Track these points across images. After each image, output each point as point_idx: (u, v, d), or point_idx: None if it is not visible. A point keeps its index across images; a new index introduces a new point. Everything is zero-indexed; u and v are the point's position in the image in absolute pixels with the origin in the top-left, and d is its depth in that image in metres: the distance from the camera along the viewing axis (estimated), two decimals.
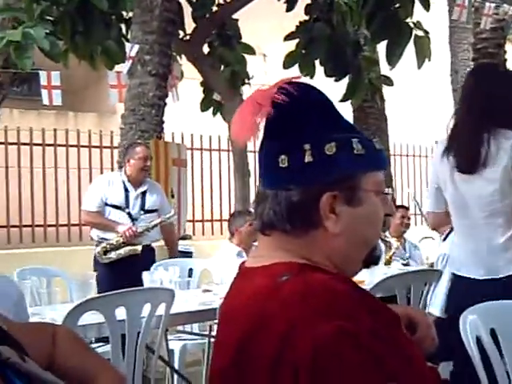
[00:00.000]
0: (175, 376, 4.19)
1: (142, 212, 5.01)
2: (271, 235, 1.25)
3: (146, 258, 4.90)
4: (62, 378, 1.24)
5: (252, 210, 1.51)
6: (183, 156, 7.24)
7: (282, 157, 1.21)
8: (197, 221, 9.40)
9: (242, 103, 1.26)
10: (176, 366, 4.28)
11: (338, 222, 1.20)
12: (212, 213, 9.69)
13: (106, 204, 4.96)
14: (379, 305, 1.19)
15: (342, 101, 7.92)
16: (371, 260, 1.29)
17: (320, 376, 1.03)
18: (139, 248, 4.92)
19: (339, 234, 1.20)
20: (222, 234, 9.43)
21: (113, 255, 4.88)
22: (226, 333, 1.24)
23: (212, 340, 4.05)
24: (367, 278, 3.79)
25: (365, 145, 1.23)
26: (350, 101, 8.23)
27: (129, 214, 4.97)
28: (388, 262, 5.45)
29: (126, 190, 5.01)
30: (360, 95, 8.16)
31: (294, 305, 1.11)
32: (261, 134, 1.25)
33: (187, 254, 7.36)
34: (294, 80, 1.25)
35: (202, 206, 9.54)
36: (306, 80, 1.30)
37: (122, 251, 4.88)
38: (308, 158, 1.19)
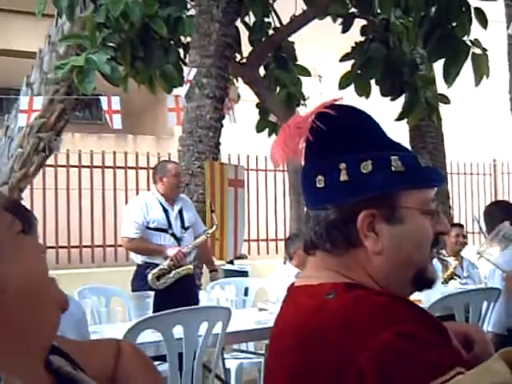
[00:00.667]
0: None
1: (183, 230, 4.93)
2: (316, 255, 1.26)
3: (190, 279, 4.91)
4: None
5: None
6: (240, 177, 7.29)
7: (319, 177, 1.22)
8: (252, 240, 9.44)
9: (281, 129, 1.30)
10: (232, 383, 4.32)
11: (378, 241, 1.19)
12: (267, 232, 9.73)
13: (148, 227, 4.81)
14: (428, 315, 1.17)
15: (397, 120, 7.88)
16: (422, 282, 1.26)
17: (387, 380, 1.03)
18: (191, 267, 4.87)
19: (380, 252, 1.19)
20: (277, 253, 9.45)
21: (168, 279, 4.76)
22: (277, 355, 1.24)
23: None
24: (424, 297, 3.76)
25: (406, 162, 1.22)
26: (406, 120, 8.17)
27: (173, 234, 4.86)
28: (446, 281, 5.38)
29: (166, 211, 4.88)
30: (416, 114, 8.08)
31: (344, 318, 1.11)
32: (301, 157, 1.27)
33: (243, 274, 7.41)
34: (334, 102, 1.26)
35: (258, 225, 9.59)
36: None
37: (176, 273, 4.77)
38: (343, 177, 1.20)
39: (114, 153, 8.60)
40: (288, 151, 1.26)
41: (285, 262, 5.85)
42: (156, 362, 3.68)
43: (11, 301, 1.00)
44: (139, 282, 4.80)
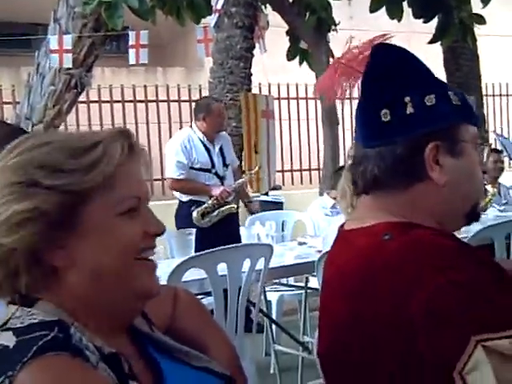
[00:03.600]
0: (273, 326, 4.32)
1: (225, 168, 4.98)
2: (371, 195, 1.27)
3: (233, 218, 4.98)
4: (177, 341, 1.25)
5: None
6: (271, 107, 7.23)
7: (384, 111, 1.24)
8: (286, 171, 9.44)
9: (332, 67, 1.31)
10: (273, 315, 4.41)
11: (442, 173, 1.22)
12: (301, 162, 9.71)
13: (192, 168, 4.85)
14: (487, 259, 1.19)
15: (431, 42, 7.68)
16: (474, 216, 1.31)
17: (434, 323, 1.05)
18: (234, 206, 4.96)
19: (443, 185, 1.22)
20: (311, 183, 9.47)
21: (212, 218, 4.84)
22: (334, 297, 1.27)
23: (308, 291, 4.14)
24: (463, 227, 3.73)
25: (460, 97, 1.26)
26: (439, 42, 7.95)
27: (216, 173, 4.91)
28: (484, 210, 5.35)
29: (208, 150, 4.91)
30: (451, 36, 7.84)
31: (401, 261, 1.13)
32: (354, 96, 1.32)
33: (278, 204, 7.45)
34: (382, 41, 1.33)
35: (291, 155, 9.57)
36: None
37: (220, 212, 4.85)
38: (410, 110, 1.22)
39: (145, 86, 8.56)
40: (340, 88, 1.28)
41: (321, 194, 5.86)
42: (200, 296, 3.77)
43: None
44: (183, 219, 4.87)
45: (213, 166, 4.91)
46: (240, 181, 5.04)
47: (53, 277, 1.02)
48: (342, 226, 1.38)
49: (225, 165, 4.99)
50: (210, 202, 4.83)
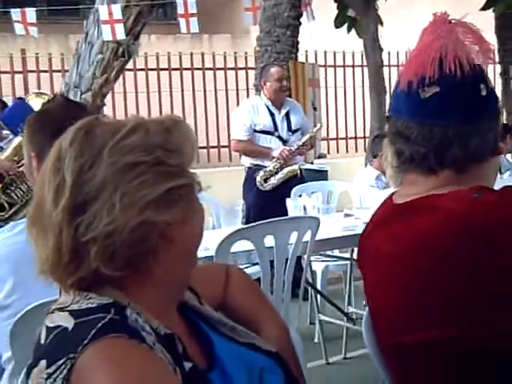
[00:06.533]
0: (318, 295, 4.35)
1: (290, 133, 5.07)
2: (436, 175, 1.29)
3: (296, 181, 4.99)
4: (229, 319, 1.26)
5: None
6: (317, 76, 7.20)
7: (482, 85, 1.28)
8: (331, 139, 9.38)
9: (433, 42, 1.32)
10: (318, 285, 4.44)
11: (502, 146, 1.33)
12: (346, 130, 9.64)
13: (255, 131, 5.01)
14: None
15: (483, 9, 7.49)
16: None
17: None
18: (296, 167, 5.00)
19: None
20: (356, 151, 9.41)
21: (273, 181, 4.94)
22: (418, 267, 1.24)
23: (354, 262, 4.15)
24: None
25: None
26: (492, 8, 7.75)
27: (279, 137, 5.02)
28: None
29: (272, 114, 5.04)
30: (503, 2, 7.66)
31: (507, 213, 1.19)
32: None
33: (322, 173, 7.41)
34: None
35: (337, 123, 9.50)
36: None
37: (281, 174, 4.93)
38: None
39: (191, 54, 8.56)
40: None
41: (366, 165, 5.83)
42: (246, 265, 3.81)
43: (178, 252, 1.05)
44: (249, 185, 5.05)
45: (276, 129, 5.01)
46: (301, 140, 5.08)
47: None
48: (390, 201, 1.38)
49: (290, 130, 5.07)
50: (271, 164, 4.93)
